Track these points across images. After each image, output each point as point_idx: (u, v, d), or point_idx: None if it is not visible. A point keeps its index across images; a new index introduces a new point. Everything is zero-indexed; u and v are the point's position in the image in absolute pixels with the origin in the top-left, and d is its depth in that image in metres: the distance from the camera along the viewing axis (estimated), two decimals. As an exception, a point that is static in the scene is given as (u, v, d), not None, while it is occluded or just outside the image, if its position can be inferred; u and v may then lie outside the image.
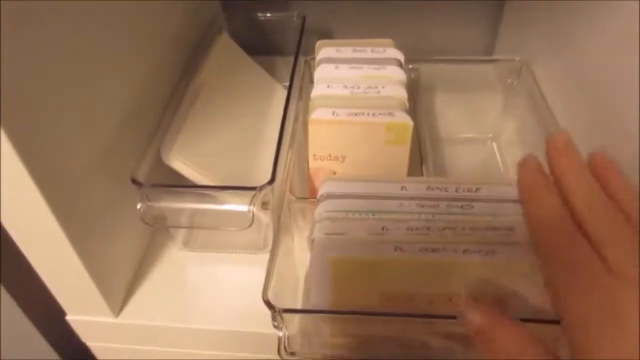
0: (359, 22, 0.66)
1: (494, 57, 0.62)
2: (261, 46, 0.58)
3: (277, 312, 0.29)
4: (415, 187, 0.33)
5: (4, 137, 0.26)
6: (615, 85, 0.39)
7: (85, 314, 0.40)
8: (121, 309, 0.41)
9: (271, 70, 0.56)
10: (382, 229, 0.30)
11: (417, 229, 0.30)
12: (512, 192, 0.31)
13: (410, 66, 0.49)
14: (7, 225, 0.33)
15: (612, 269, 0.23)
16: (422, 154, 0.42)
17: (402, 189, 0.33)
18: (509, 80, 0.50)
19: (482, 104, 0.55)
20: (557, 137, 0.28)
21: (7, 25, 0.26)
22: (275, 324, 0.30)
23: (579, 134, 0.32)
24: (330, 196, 0.33)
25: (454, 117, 0.54)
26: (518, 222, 0.30)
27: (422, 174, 0.41)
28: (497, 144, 0.55)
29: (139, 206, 0.37)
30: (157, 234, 0.46)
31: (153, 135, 0.41)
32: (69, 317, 0.41)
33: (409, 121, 0.39)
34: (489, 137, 0.55)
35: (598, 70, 0.41)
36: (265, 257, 0.33)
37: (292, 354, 0.30)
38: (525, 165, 0.29)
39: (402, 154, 0.40)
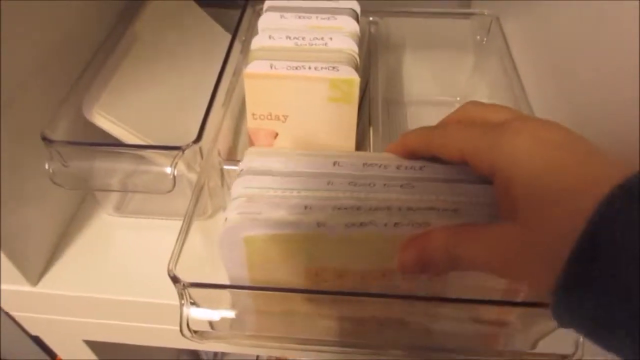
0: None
1: (463, 10, 0.56)
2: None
3: (182, 287, 0.26)
4: (351, 162, 0.29)
5: None
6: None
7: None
8: (40, 278, 0.37)
9: (223, 21, 0.51)
10: (305, 207, 0.26)
11: (345, 208, 0.26)
12: (463, 170, 0.27)
13: (371, 18, 0.45)
14: None
15: None
16: (372, 116, 0.38)
17: (334, 165, 0.29)
18: (478, 37, 0.46)
19: (452, 63, 0.50)
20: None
21: None
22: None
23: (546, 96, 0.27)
24: (250, 171, 0.29)
25: (418, 78, 0.49)
26: (464, 204, 0.26)
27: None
28: (466, 107, 0.51)
29: (47, 165, 0.33)
30: (88, 198, 0.42)
31: (73, 89, 0.37)
32: (-15, 286, 0.37)
33: (354, 77, 0.34)
34: (456, 100, 0.51)
35: (562, 29, 0.37)
36: (207, 223, 0.29)
37: (195, 332, 0.27)
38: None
39: (349, 113, 0.36)
